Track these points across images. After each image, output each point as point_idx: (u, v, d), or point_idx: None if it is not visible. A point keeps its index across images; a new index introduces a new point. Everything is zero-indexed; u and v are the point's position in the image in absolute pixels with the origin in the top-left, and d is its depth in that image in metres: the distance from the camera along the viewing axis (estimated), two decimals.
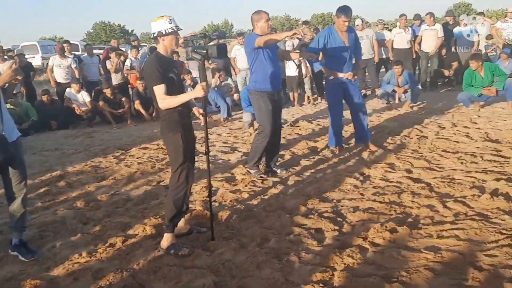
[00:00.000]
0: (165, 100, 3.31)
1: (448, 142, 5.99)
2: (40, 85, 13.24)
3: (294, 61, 9.78)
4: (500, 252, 2.99)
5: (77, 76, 10.17)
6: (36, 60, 20.42)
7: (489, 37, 10.53)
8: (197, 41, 3.69)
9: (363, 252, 3.17)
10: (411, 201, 4.07)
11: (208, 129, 7.87)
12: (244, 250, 3.35)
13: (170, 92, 3.32)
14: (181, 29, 3.44)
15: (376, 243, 3.31)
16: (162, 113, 3.43)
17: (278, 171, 5.18)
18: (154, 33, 3.40)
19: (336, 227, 3.63)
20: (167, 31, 3.35)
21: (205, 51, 3.36)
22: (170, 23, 3.36)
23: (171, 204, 3.48)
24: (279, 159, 5.50)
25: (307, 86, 10.20)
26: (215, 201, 4.44)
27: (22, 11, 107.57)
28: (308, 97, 10.31)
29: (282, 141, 6.59)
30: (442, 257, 3.00)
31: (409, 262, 2.99)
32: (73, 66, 10.18)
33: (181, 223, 3.71)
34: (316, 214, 3.91)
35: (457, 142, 5.98)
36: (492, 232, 3.29)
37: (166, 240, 3.47)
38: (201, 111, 3.52)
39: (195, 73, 10.03)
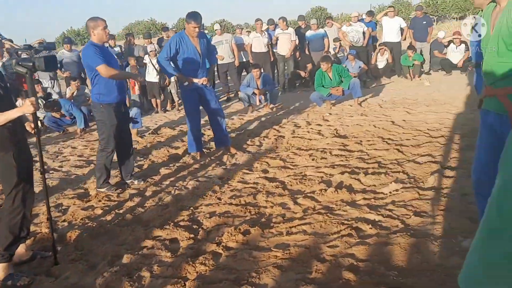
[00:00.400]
0: None
1: (302, 140, 6.32)
2: None
3: (155, 67, 9.60)
4: (341, 242, 3.20)
5: None
6: None
7: (336, 40, 11.40)
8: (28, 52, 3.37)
9: (216, 258, 3.17)
10: (265, 200, 4.19)
11: (63, 142, 7.46)
12: (92, 271, 3.14)
13: None
14: (5, 38, 3.11)
15: (229, 247, 3.33)
16: None
17: (136, 182, 5.00)
18: None
19: (191, 235, 3.58)
20: None
21: (31, 64, 3.08)
22: None
23: (5, 230, 3.13)
24: (136, 168, 5.31)
25: (173, 91, 10.07)
26: (64, 220, 4.12)
27: None
28: (173, 101, 10.20)
29: (143, 150, 6.43)
30: (290, 253, 3.12)
31: (259, 262, 3.05)
32: None
33: (22, 249, 3.36)
34: (172, 223, 3.83)
35: (310, 139, 6.35)
36: (335, 223, 3.51)
37: (2, 270, 3.11)
38: (33, 125, 3.22)
39: (46, 83, 9.31)
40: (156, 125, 8.31)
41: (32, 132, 3.25)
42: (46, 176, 4.66)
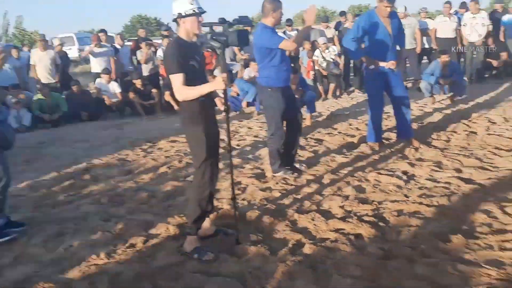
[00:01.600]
0: (183, 91, 2.98)
1: (500, 139, 5.42)
2: (76, 77, 13.00)
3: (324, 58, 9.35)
4: None
5: (112, 66, 9.89)
6: (72, 52, 20.16)
7: None
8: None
9: (410, 265, 2.77)
10: (464, 205, 3.61)
11: (240, 122, 7.66)
12: (274, 257, 3.00)
13: (190, 81, 2.97)
14: (204, 11, 3.06)
15: (426, 254, 2.89)
16: (182, 104, 3.10)
17: (299, 165, 4.81)
18: (174, 15, 3.06)
19: (378, 233, 3.22)
20: (187, 13, 3.00)
21: (224, 38, 2.99)
22: (192, 4, 3.00)
23: (195, 204, 3.16)
24: (311, 154, 5.12)
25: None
26: (244, 199, 4.10)
27: (61, 3, 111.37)
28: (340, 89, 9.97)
29: (317, 135, 6.22)
30: (508, 273, 2.56)
31: (468, 279, 2.56)
32: (110, 55, 9.97)
33: (207, 223, 3.39)
34: (356, 217, 3.51)
35: (511, 139, 5.42)
36: None
37: (189, 243, 3.16)
38: (223, 101, 3.16)
39: None
40: (328, 111, 8.04)
41: (222, 108, 3.21)
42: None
